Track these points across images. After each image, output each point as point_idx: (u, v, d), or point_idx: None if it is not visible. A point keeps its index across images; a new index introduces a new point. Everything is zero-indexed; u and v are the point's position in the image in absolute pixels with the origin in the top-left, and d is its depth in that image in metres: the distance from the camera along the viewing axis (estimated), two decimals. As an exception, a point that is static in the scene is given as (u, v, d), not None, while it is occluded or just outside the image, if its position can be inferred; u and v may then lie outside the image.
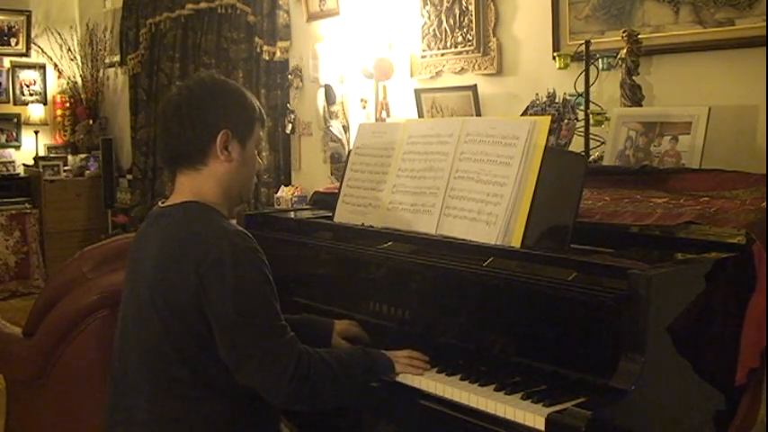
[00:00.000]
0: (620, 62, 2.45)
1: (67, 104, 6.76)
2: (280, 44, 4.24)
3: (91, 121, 6.60)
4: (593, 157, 2.43)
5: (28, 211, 6.09)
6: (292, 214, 2.60)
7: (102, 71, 6.58)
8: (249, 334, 1.58)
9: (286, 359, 1.59)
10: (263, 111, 1.85)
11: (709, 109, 2.20)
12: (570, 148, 2.31)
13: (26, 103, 6.65)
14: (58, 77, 6.75)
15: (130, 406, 1.68)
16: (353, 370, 1.70)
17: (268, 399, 1.65)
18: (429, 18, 3.36)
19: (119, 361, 1.75)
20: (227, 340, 1.59)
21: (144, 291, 1.67)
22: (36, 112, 6.67)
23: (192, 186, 1.73)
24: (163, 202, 1.78)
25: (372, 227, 2.13)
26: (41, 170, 6.30)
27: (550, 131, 1.90)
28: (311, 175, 4.19)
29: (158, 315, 1.63)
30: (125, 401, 1.70)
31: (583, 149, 2.38)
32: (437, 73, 3.37)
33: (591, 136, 2.42)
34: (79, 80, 6.66)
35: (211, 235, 1.62)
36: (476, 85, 3.11)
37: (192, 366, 1.63)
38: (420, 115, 3.32)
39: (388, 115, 3.52)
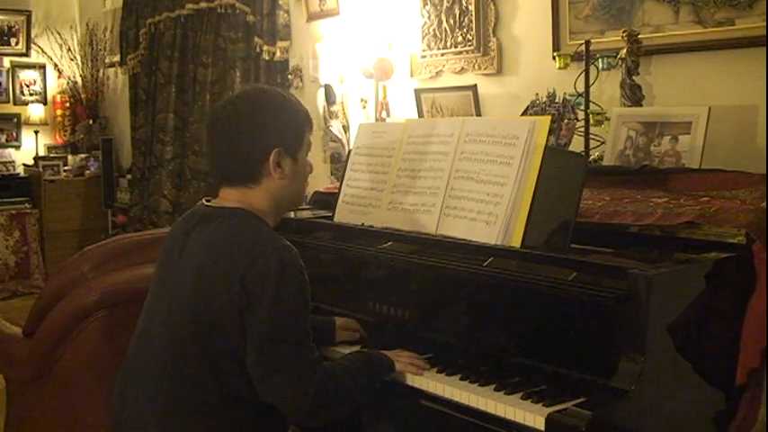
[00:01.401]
0: (620, 62, 2.45)
1: (67, 104, 6.76)
2: (280, 44, 4.24)
3: (91, 121, 6.60)
4: (593, 157, 2.43)
5: (28, 211, 6.09)
6: (292, 214, 2.59)
7: (102, 71, 6.58)
8: (279, 351, 1.59)
9: (309, 379, 1.59)
10: (308, 113, 1.82)
11: (709, 109, 2.20)
12: (570, 148, 2.31)
13: (26, 103, 6.64)
14: (58, 77, 6.75)
15: (143, 404, 1.67)
16: (361, 380, 1.71)
17: (286, 413, 1.65)
18: (429, 18, 3.36)
19: (135, 356, 1.74)
20: (257, 353, 1.59)
21: (183, 292, 1.65)
22: (36, 112, 6.66)
23: (240, 198, 1.72)
24: (208, 201, 1.77)
25: (372, 227, 2.13)
26: (41, 170, 6.30)
27: (550, 131, 1.90)
28: (311, 175, 4.18)
29: (194, 317, 1.62)
30: (137, 398, 1.69)
31: (583, 149, 2.38)
32: (437, 73, 3.37)
33: (591, 136, 2.41)
34: (79, 80, 6.66)
35: (259, 246, 1.61)
36: (476, 85, 3.11)
37: (214, 372, 1.62)
38: (420, 115, 3.32)
39: (388, 115, 3.52)
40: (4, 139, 6.55)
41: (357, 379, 1.70)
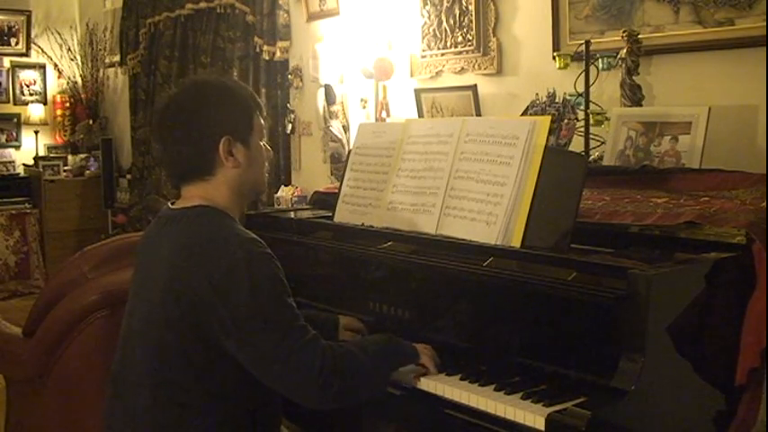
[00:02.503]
0: (620, 62, 2.45)
1: (67, 104, 6.76)
2: (280, 44, 4.25)
3: (91, 121, 6.60)
4: (593, 157, 2.43)
5: (28, 211, 6.09)
6: (292, 214, 2.59)
7: (102, 71, 6.59)
8: (270, 338, 1.56)
9: (311, 358, 1.57)
10: (255, 96, 1.80)
11: (709, 109, 2.20)
12: (570, 148, 2.31)
13: (26, 103, 6.65)
14: (58, 77, 6.75)
15: (131, 408, 1.67)
16: (379, 358, 1.68)
17: (299, 401, 1.63)
18: (429, 18, 3.36)
19: (120, 361, 1.74)
20: (249, 347, 1.57)
21: (155, 296, 1.64)
22: (36, 112, 6.67)
23: (201, 193, 1.71)
24: (173, 203, 1.76)
25: (372, 227, 2.13)
26: (41, 170, 6.31)
27: (550, 131, 1.90)
28: (311, 175, 4.19)
29: (168, 320, 1.61)
30: (125, 403, 1.69)
31: (583, 149, 2.38)
32: (437, 73, 3.37)
33: (591, 136, 2.42)
34: (79, 80, 6.67)
35: (224, 242, 1.60)
36: (476, 85, 3.11)
37: (198, 373, 1.61)
38: (420, 115, 3.32)
39: (388, 115, 3.52)
40: (4, 139, 6.56)
41: (374, 356, 1.66)
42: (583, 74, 2.44)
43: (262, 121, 1.79)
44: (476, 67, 3.19)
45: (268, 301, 1.58)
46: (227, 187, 1.71)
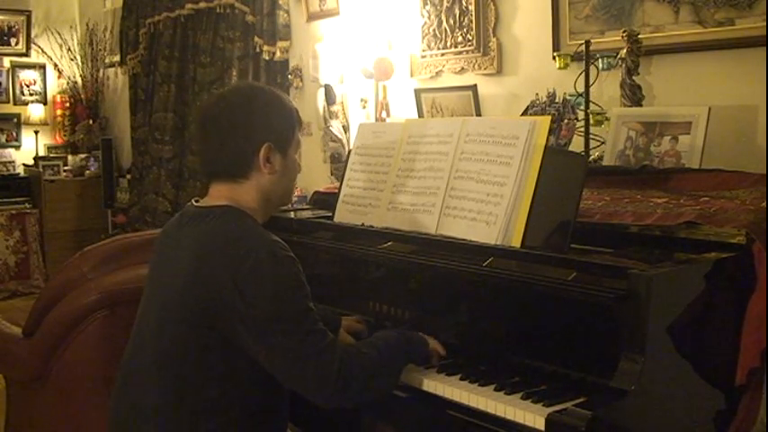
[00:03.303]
0: (620, 62, 2.45)
1: (67, 104, 6.76)
2: (280, 44, 4.25)
3: (91, 121, 6.60)
4: (593, 157, 2.43)
5: (28, 211, 6.09)
6: (292, 214, 2.59)
7: (102, 71, 6.59)
8: (290, 341, 1.57)
9: (328, 361, 1.58)
10: (298, 112, 1.84)
11: (709, 109, 2.20)
12: (570, 148, 2.31)
13: (26, 103, 6.64)
14: (58, 77, 6.75)
15: (139, 403, 1.67)
16: (392, 355, 1.69)
17: (316, 401, 1.63)
18: (429, 18, 3.36)
19: (131, 354, 1.74)
20: (269, 348, 1.58)
21: (174, 291, 1.64)
22: (36, 112, 6.67)
23: (230, 194, 1.72)
24: (197, 201, 1.77)
25: (372, 227, 2.13)
26: (41, 170, 6.30)
27: (550, 131, 1.90)
28: (311, 175, 4.19)
29: (185, 317, 1.61)
30: (133, 397, 1.69)
31: (583, 149, 2.38)
32: (437, 73, 3.37)
33: (591, 136, 2.42)
34: (79, 80, 6.67)
35: (249, 242, 1.61)
36: (476, 85, 3.11)
37: (210, 373, 1.62)
38: (420, 115, 3.32)
39: (388, 115, 3.52)
40: (4, 139, 6.56)
41: (386, 354, 1.67)
42: (583, 74, 2.44)
43: (300, 138, 1.84)
44: (476, 67, 3.19)
45: (289, 303, 1.58)
46: (257, 191, 1.73)
